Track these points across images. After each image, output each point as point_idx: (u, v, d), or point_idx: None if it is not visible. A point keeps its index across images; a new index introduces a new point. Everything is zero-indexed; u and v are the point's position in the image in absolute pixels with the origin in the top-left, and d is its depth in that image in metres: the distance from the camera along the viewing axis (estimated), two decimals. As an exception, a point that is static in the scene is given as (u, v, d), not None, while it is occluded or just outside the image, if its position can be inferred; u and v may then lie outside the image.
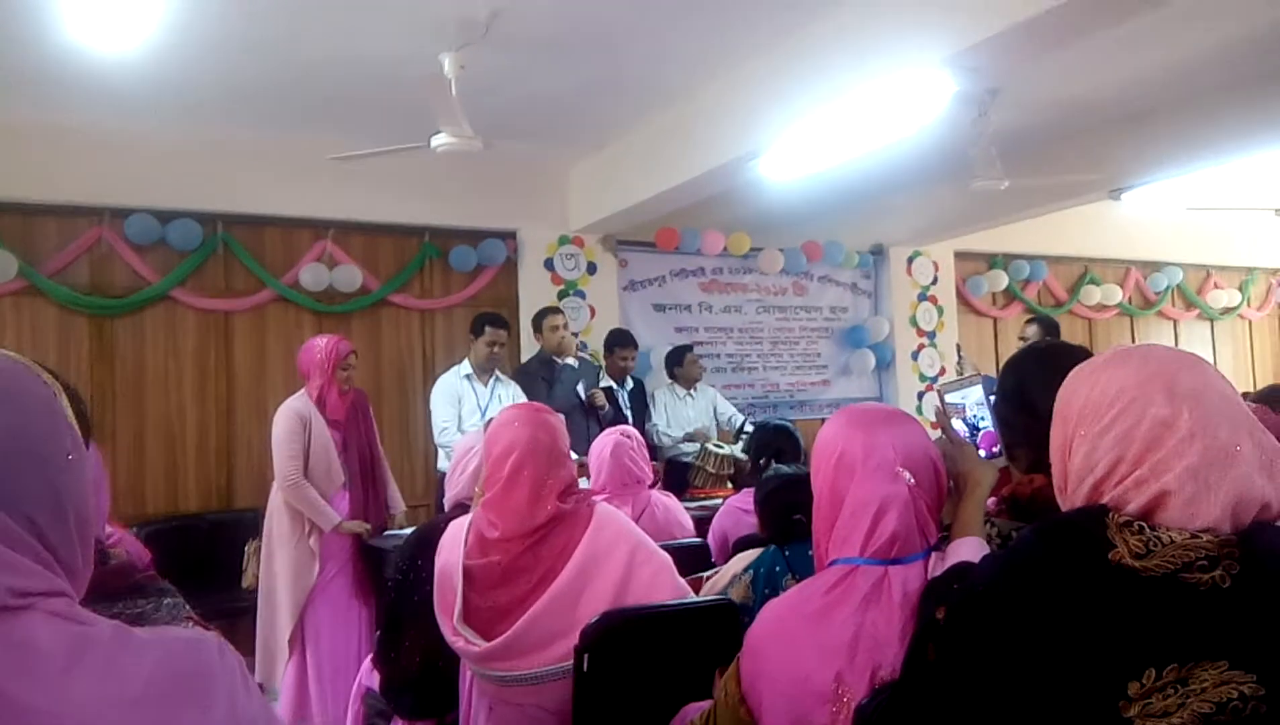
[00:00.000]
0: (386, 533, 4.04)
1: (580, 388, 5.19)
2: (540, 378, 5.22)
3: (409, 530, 3.99)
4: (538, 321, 5.43)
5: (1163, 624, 0.96)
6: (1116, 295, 8.22)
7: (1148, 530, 0.99)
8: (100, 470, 1.67)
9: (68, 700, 0.70)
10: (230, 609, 4.22)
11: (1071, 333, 7.91)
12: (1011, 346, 6.44)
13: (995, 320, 7.87)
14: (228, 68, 4.24)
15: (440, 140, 3.98)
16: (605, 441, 3.28)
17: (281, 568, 3.85)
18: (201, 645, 0.79)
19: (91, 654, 0.74)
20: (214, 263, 5.27)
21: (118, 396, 5.01)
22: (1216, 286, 8.79)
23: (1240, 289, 8.89)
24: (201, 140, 5.04)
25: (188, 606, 1.57)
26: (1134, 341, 8.41)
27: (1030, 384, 1.66)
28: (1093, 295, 8.14)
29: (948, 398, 1.72)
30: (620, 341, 5.72)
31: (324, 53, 4.11)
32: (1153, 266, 8.44)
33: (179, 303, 5.17)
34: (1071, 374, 1.14)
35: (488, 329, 4.95)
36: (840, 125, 4.13)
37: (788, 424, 3.73)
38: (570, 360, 5.27)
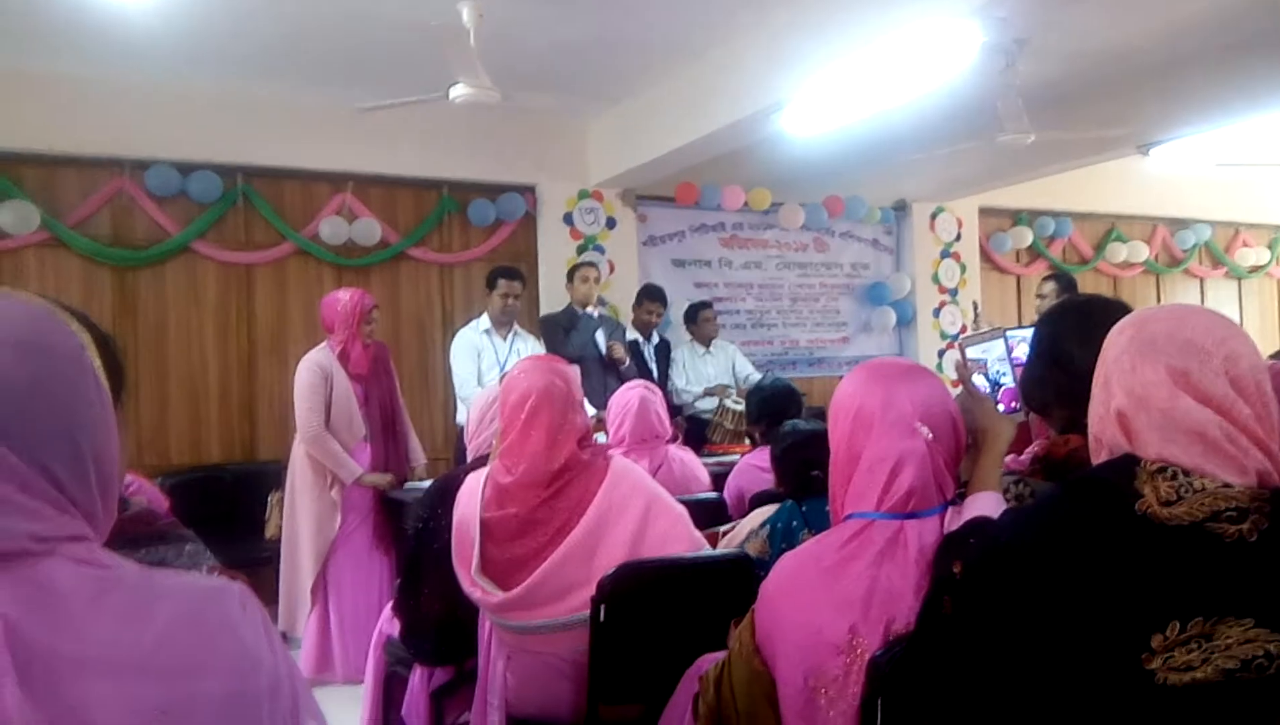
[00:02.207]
0: (407, 485, 4.07)
1: (600, 338, 5.19)
2: (559, 326, 5.24)
3: (429, 482, 4.04)
4: (571, 274, 5.42)
5: (1188, 576, 0.95)
6: (1143, 253, 8.10)
7: (1181, 477, 0.98)
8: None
9: (90, 642, 0.71)
10: (253, 559, 4.28)
11: (1097, 290, 7.80)
12: (1033, 304, 6.36)
13: (1019, 277, 7.78)
14: (247, 20, 4.21)
15: (458, 91, 3.94)
16: (629, 395, 3.28)
17: (304, 519, 3.89)
18: (225, 593, 0.80)
19: (114, 596, 0.74)
20: (234, 215, 5.28)
21: (140, 348, 5.05)
22: (1245, 245, 8.65)
23: (1269, 247, 8.74)
24: (221, 92, 5.02)
25: (209, 554, 1.59)
26: (1159, 300, 8.31)
27: (1065, 340, 1.62)
28: (1119, 253, 8.02)
29: (969, 352, 1.70)
30: (649, 295, 5.70)
31: (343, 4, 4.07)
32: (1180, 224, 8.30)
33: (200, 255, 5.19)
34: (1114, 329, 1.14)
35: (501, 281, 4.95)
36: (864, 78, 4.06)
37: (786, 383, 3.70)
38: (591, 309, 5.27)
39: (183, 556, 1.64)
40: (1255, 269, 8.70)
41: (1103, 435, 1.10)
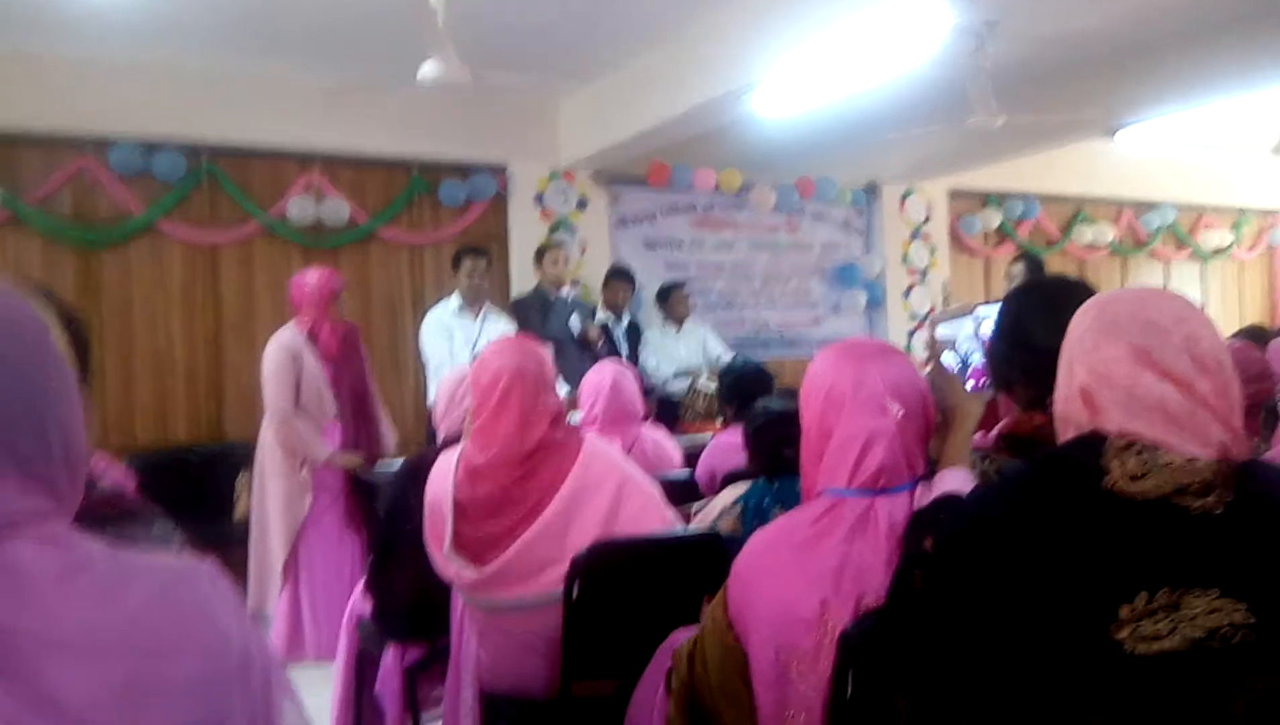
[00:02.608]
0: (378, 465, 4.06)
1: (575, 320, 5.20)
2: (534, 309, 5.23)
3: (400, 462, 4.02)
4: (539, 255, 5.43)
5: (1154, 548, 0.97)
6: (1109, 235, 8.20)
7: (1146, 452, 1.01)
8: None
9: (58, 623, 0.70)
10: (221, 540, 4.24)
11: (1063, 272, 7.91)
12: (1001, 285, 6.43)
13: (988, 259, 7.85)
14: (211, -7, 4.14)
15: (428, 71, 3.90)
16: (602, 374, 3.28)
17: (274, 500, 3.87)
18: (195, 572, 0.79)
19: (83, 577, 0.73)
20: (200, 194, 5.20)
21: (104, 328, 4.98)
22: (1208, 227, 8.77)
23: (1232, 230, 8.88)
24: (186, 69, 4.94)
25: (178, 533, 1.57)
26: (1123, 282, 8.42)
27: (1028, 319, 1.65)
28: (1085, 234, 8.11)
29: (939, 331, 1.72)
30: (617, 275, 5.73)
31: (309, -22, 4.02)
32: (1145, 206, 8.40)
33: (165, 234, 5.12)
34: (1078, 311, 1.16)
35: (465, 260, 4.96)
36: (835, 59, 4.06)
37: (757, 363, 3.72)
38: (565, 291, 5.28)
39: (151, 536, 1.63)
40: (1218, 251, 8.83)
41: (1068, 413, 1.13)
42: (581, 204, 6.16)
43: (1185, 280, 8.74)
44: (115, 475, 2.41)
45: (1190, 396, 1.02)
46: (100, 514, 1.63)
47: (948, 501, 1.37)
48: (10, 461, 0.74)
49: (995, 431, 1.70)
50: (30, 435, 0.76)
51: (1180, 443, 1.01)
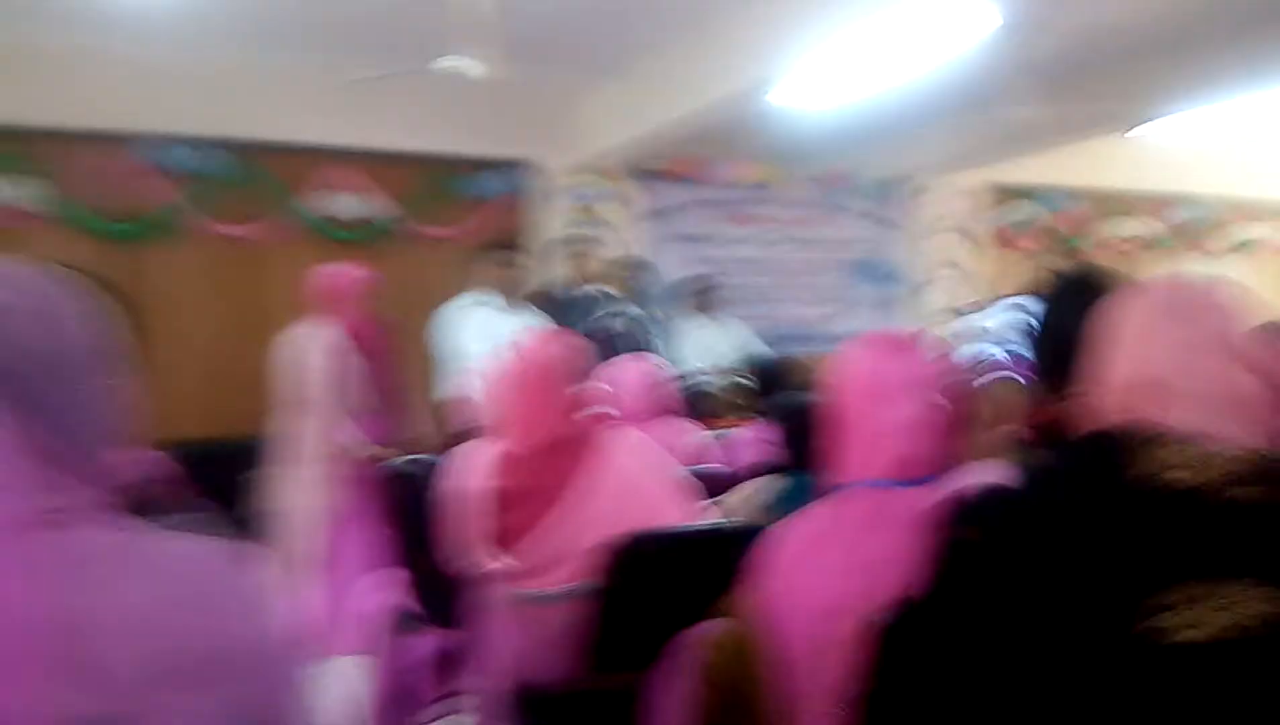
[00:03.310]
0: (409, 457, 4.08)
1: (603, 315, 5.20)
2: (562, 303, 5.23)
3: (429, 455, 4.05)
4: (566, 248, 5.42)
5: (1187, 538, 0.97)
6: (1145, 228, 8.08)
7: (1181, 443, 1.01)
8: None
9: (113, 602, 0.73)
10: (255, 532, 4.29)
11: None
12: (1034, 278, 6.35)
13: (1020, 253, 7.76)
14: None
15: (451, 63, 3.92)
16: (634, 369, 3.29)
17: (305, 492, 3.91)
18: (236, 554, 0.82)
19: (136, 558, 0.76)
20: (228, 189, 5.26)
21: (147, 322, 5.04)
22: (1248, 219, 8.62)
23: (1273, 222, 8.72)
24: (227, 67, 5.01)
25: (220, 522, 1.61)
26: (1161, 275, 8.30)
27: (1057, 311, 1.65)
28: (1121, 228, 8.00)
29: (971, 321, 1.72)
30: (634, 266, 5.71)
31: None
32: (1185, 199, 8.27)
33: (206, 230, 5.17)
34: (1124, 300, 1.16)
35: (494, 253, 4.96)
36: (869, 51, 4.03)
37: (785, 357, 3.72)
38: (592, 289, 5.27)
39: (191, 522, 1.66)
40: (1258, 243, 8.68)
41: (1117, 402, 1.11)
42: (609, 197, 6.15)
43: (1225, 272, 8.60)
44: (159, 466, 2.45)
45: (1227, 391, 1.02)
46: (144, 501, 1.67)
47: (991, 491, 1.36)
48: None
49: (1030, 423, 1.70)
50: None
51: (1231, 434, 1.01)
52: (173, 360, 5.13)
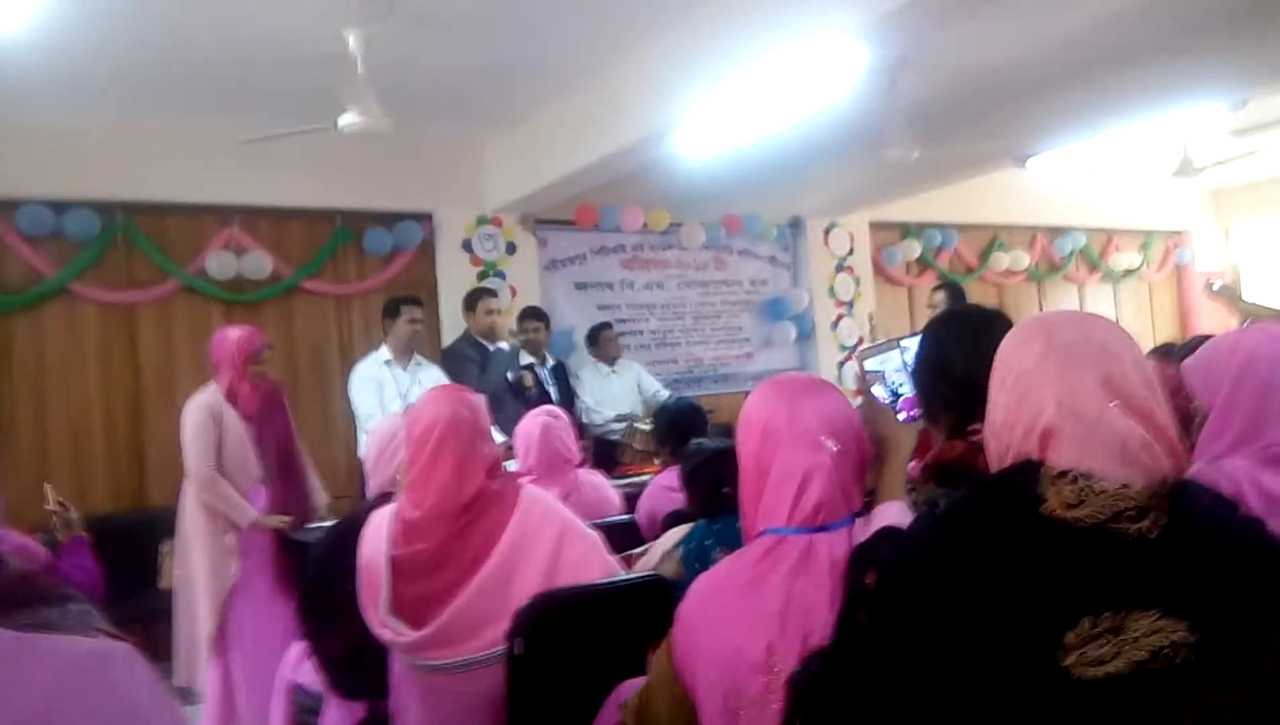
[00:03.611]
0: (308, 525, 3.94)
1: (510, 373, 5.15)
2: (471, 361, 5.16)
3: (331, 522, 3.92)
4: (471, 302, 5.36)
5: (1095, 573, 0.98)
6: (1024, 260, 8.45)
7: (1080, 480, 1.02)
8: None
9: None
10: (148, 612, 4.08)
11: (983, 298, 8.09)
12: (924, 313, 6.56)
13: (910, 288, 8.02)
14: (122, 50, 4.05)
15: (348, 120, 3.86)
16: (533, 423, 3.25)
17: (199, 566, 3.74)
18: (109, 655, 0.75)
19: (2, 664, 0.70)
20: (114, 253, 5.05)
21: (18, 396, 4.79)
22: (1118, 249, 9.10)
23: (1140, 251, 9.22)
24: (97, 126, 4.82)
25: (96, 613, 1.50)
26: (1041, 305, 8.69)
27: (947, 350, 1.70)
28: (1001, 261, 8.35)
29: (867, 364, 1.74)
30: (528, 315, 5.66)
31: (224, 32, 3.96)
32: (1058, 231, 8.69)
33: (79, 296, 4.95)
34: (1015, 338, 1.18)
35: (404, 308, 4.88)
36: (754, 98, 4.13)
37: (691, 401, 3.75)
38: (502, 343, 5.22)
39: (69, 617, 1.54)
40: (1129, 272, 9.16)
41: (1011, 443, 1.12)
42: (510, 249, 6.14)
43: (1099, 301, 9.04)
44: (27, 550, 2.30)
45: (1149, 427, 1.05)
46: (10, 597, 1.55)
47: (887, 534, 1.37)
48: None
49: (921, 462, 1.72)
50: None
51: (1127, 475, 1.02)
52: (46, 434, 4.86)
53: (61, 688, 0.71)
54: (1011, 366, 1.14)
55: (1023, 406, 1.10)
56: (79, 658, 0.74)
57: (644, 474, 4.52)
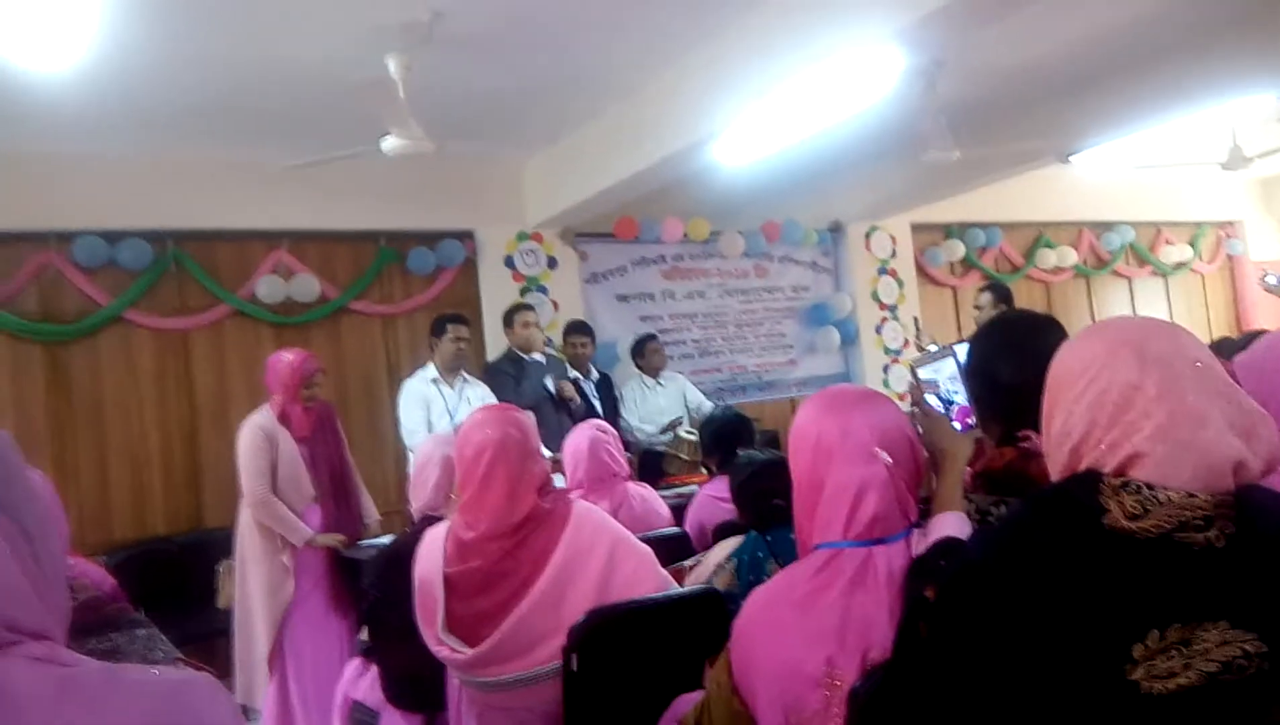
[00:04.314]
0: (362, 543, 3.99)
1: (549, 381, 5.17)
2: (508, 374, 5.20)
3: (385, 539, 3.96)
4: (509, 318, 5.41)
5: (1162, 585, 0.96)
6: (1071, 257, 8.31)
7: (1144, 490, 1.00)
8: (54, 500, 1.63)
9: None
10: (207, 631, 4.16)
11: (1030, 296, 8.00)
12: (970, 315, 6.48)
13: (954, 289, 7.93)
14: (168, 84, 4.15)
15: (390, 144, 3.92)
16: (580, 437, 3.26)
17: (256, 586, 3.79)
18: (193, 686, 0.77)
19: (78, 697, 0.72)
20: (167, 281, 5.17)
21: (77, 424, 4.91)
22: (1168, 242, 8.92)
23: (1191, 244, 9.03)
24: (146, 158, 4.94)
25: (162, 637, 1.53)
26: (1090, 302, 8.54)
27: (991, 358, 1.68)
28: (1048, 258, 8.22)
29: (921, 372, 1.72)
30: (574, 329, 5.70)
31: (266, 63, 4.04)
32: (1105, 226, 8.54)
33: (133, 324, 5.07)
34: (1095, 344, 1.13)
35: (449, 326, 4.92)
36: (792, 106, 4.12)
37: (737, 411, 3.74)
38: (537, 355, 5.26)
39: (136, 642, 1.58)
40: (1180, 266, 8.97)
41: (1084, 454, 1.06)
42: (551, 263, 6.18)
43: (1150, 296, 8.87)
44: (93, 576, 2.36)
45: (1253, 440, 1.00)
46: (82, 623, 1.59)
47: (946, 547, 1.36)
48: (22, 573, 0.73)
49: (972, 470, 1.70)
50: (30, 551, 0.75)
51: (1156, 479, 1.00)
52: (105, 461, 4.97)
53: (151, 720, 0.73)
54: (1092, 378, 1.07)
55: (1115, 424, 1.04)
56: (167, 690, 0.76)
57: (690, 484, 4.52)
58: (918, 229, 7.67)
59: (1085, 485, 1.03)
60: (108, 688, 0.73)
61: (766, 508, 2.22)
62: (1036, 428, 1.20)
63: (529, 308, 5.49)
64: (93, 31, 3.45)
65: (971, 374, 1.69)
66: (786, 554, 2.04)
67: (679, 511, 3.47)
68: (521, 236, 6.07)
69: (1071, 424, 1.08)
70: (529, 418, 2.20)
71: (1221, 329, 8.77)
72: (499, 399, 4.85)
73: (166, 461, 5.12)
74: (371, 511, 4.20)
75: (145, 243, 5.02)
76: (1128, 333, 1.09)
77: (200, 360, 5.25)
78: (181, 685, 0.77)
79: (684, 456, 5.16)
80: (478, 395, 4.92)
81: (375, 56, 3.84)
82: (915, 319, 6.87)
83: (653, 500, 3.38)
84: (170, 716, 0.74)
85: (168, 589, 4.36)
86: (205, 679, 0.78)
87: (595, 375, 5.68)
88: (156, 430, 5.12)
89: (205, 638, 4.13)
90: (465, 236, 5.91)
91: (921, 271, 7.73)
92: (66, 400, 4.91)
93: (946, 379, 1.70)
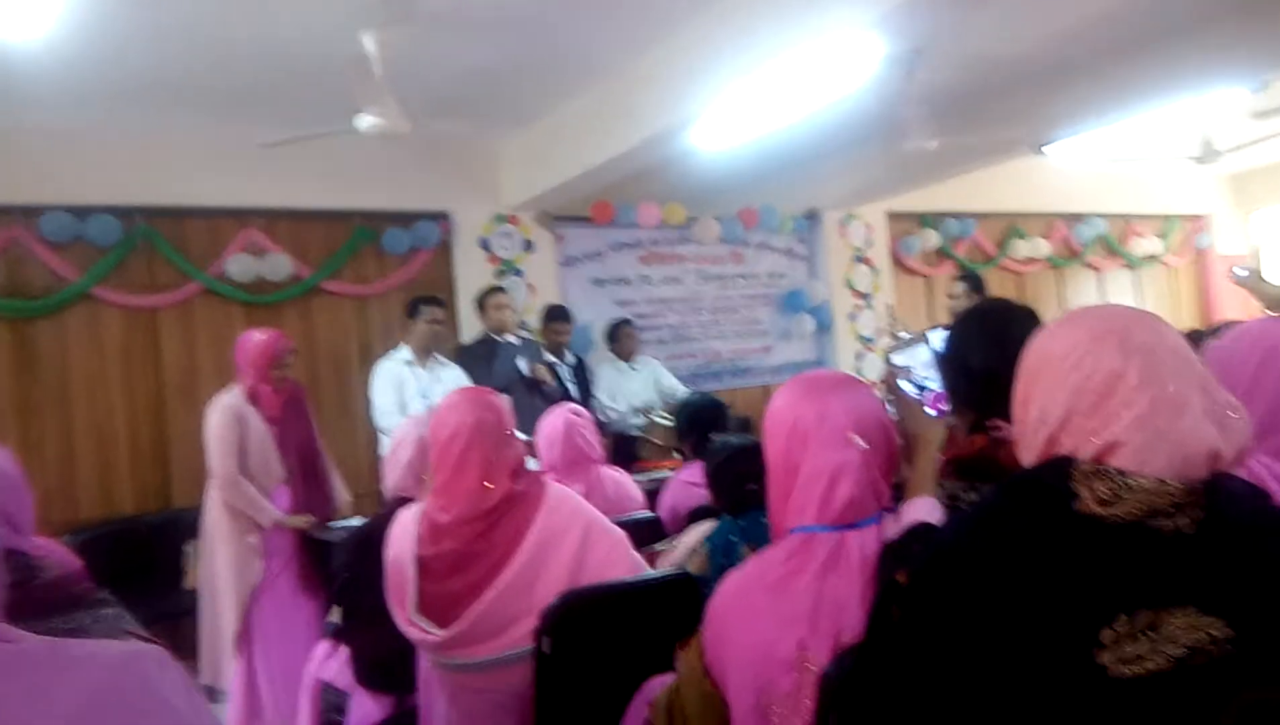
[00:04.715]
0: (331, 525, 3.97)
1: (522, 363, 5.16)
2: (477, 357, 5.18)
3: (355, 521, 3.94)
4: (481, 301, 5.38)
5: (1132, 570, 0.97)
6: (1043, 248, 8.38)
7: (1117, 477, 1.00)
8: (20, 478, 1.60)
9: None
10: (175, 611, 4.12)
11: (1002, 286, 8.06)
12: (944, 304, 6.52)
13: (928, 278, 7.98)
14: (140, 56, 4.07)
15: (365, 122, 3.87)
16: (555, 420, 3.26)
17: (223, 566, 3.76)
18: (140, 658, 0.76)
19: (22, 673, 0.70)
20: (136, 258, 5.09)
21: (44, 401, 4.84)
22: (1138, 235, 9.02)
23: (1160, 236, 9.13)
24: (116, 132, 4.86)
25: (128, 616, 1.51)
26: (1060, 293, 8.62)
27: (965, 345, 1.69)
28: (1020, 249, 8.29)
29: (894, 359, 1.73)
30: (554, 315, 5.71)
31: (240, 36, 3.97)
32: (1077, 218, 8.62)
33: (101, 301, 4.99)
34: (1036, 333, 1.14)
35: (423, 308, 4.89)
36: (770, 91, 4.12)
37: (711, 396, 3.74)
38: (510, 337, 5.24)
39: (100, 621, 1.56)
40: (1149, 258, 9.08)
41: (1060, 440, 1.07)
42: (527, 246, 6.15)
43: (1119, 288, 8.97)
44: (58, 556, 2.32)
45: (1223, 433, 1.01)
46: (46, 603, 1.56)
47: (918, 531, 1.37)
48: None
49: (944, 457, 1.72)
50: None
51: (1134, 466, 1.01)
52: (71, 438, 4.91)
53: (97, 693, 0.71)
54: (1074, 364, 1.07)
55: (1096, 412, 1.04)
56: (113, 663, 0.74)
57: (663, 469, 4.52)
58: (893, 218, 7.71)
59: (1057, 471, 1.04)
60: (49, 662, 0.72)
61: (740, 492, 2.22)
62: (1008, 417, 1.21)
63: (501, 290, 5.47)
64: (63, 1, 3.38)
65: (944, 362, 1.71)
66: (759, 538, 2.05)
67: (652, 496, 3.47)
68: (498, 218, 6.03)
69: (1049, 410, 1.08)
70: (503, 400, 2.19)
71: (1190, 321, 8.88)
72: (471, 381, 4.83)
73: (134, 440, 5.06)
74: (342, 493, 4.18)
75: (114, 218, 4.94)
76: (1111, 321, 1.08)
77: (169, 338, 5.19)
78: (129, 657, 0.75)
79: (658, 441, 5.17)
80: (451, 377, 4.90)
81: (352, 33, 3.78)
82: (889, 307, 6.90)
83: (626, 484, 3.39)
84: (117, 689, 0.72)
85: (135, 568, 4.32)
86: (154, 650, 0.77)
87: (572, 359, 5.68)
88: (124, 408, 5.05)
89: (173, 617, 4.09)
90: (441, 217, 5.86)
91: (896, 260, 7.77)
92: (33, 377, 4.83)
93: (921, 365, 1.71)
